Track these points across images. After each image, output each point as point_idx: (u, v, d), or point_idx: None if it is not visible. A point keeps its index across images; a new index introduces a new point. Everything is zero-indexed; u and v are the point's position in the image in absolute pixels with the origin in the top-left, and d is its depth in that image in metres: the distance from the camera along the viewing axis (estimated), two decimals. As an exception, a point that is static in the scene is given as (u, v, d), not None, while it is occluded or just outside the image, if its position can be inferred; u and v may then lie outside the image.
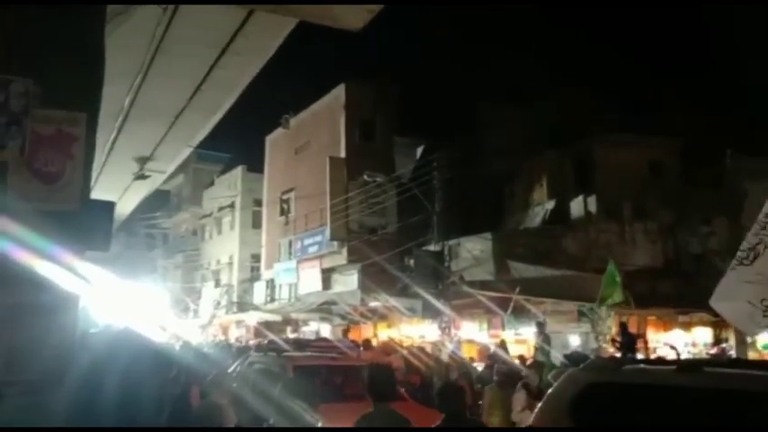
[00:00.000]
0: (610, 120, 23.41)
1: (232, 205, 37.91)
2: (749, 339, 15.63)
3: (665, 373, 4.31)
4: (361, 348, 14.36)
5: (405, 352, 14.05)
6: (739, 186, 18.22)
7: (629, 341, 13.31)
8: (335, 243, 26.79)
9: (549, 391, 4.51)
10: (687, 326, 16.03)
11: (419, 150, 29.25)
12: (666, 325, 16.37)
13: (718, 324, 16.21)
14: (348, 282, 25.64)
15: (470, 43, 42.46)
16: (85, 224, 4.85)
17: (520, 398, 8.04)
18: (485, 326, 18.24)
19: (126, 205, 16.55)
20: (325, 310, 23.66)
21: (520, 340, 16.97)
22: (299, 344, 12.42)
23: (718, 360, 10.92)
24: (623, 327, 14.14)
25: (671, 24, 44.88)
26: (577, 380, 4.37)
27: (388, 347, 13.25)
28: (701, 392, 3.84)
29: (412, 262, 20.00)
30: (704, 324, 16.13)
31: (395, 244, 23.46)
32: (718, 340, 16.12)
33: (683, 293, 15.64)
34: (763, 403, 3.64)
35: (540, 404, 4.42)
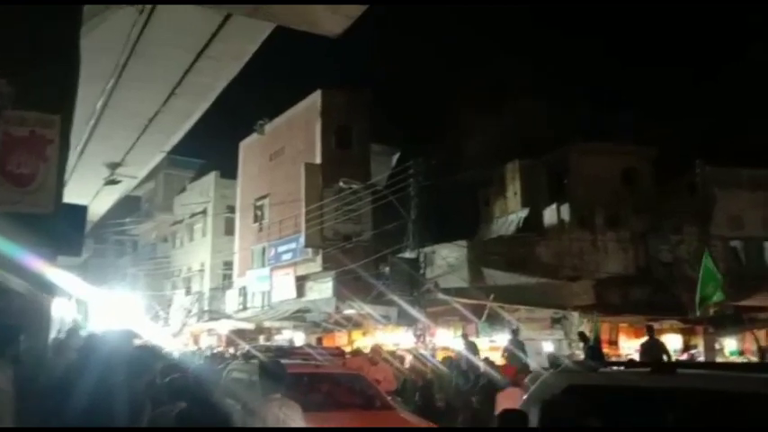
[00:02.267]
0: (584, 128, 23.80)
1: (204, 212, 37.49)
2: (717, 346, 15.99)
3: (640, 375, 4.37)
4: (348, 356, 14.24)
5: (391, 360, 13.91)
6: (710, 194, 18.64)
7: (592, 348, 13.48)
8: (310, 250, 26.65)
9: (526, 394, 4.54)
10: (657, 333, 16.28)
11: (395, 158, 29.33)
12: (638, 332, 16.60)
13: (688, 331, 16.57)
14: (323, 289, 25.51)
15: (446, 52, 42.84)
16: (58, 228, 4.76)
17: None
18: (459, 333, 18.29)
19: (96, 210, 16.27)
20: (298, 317, 23.49)
21: (494, 347, 17.05)
22: (282, 351, 12.24)
23: (690, 363, 11.14)
24: (582, 335, 14.32)
25: (645, 34, 45.88)
26: (554, 383, 4.41)
27: (375, 356, 13.19)
28: (675, 393, 3.91)
29: (387, 269, 20.00)
30: (674, 331, 16.43)
31: (370, 251, 23.45)
32: (687, 346, 16.43)
33: (654, 301, 15.93)
34: (733, 402, 3.72)
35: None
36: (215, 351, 22.13)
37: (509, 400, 7.90)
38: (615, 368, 4.93)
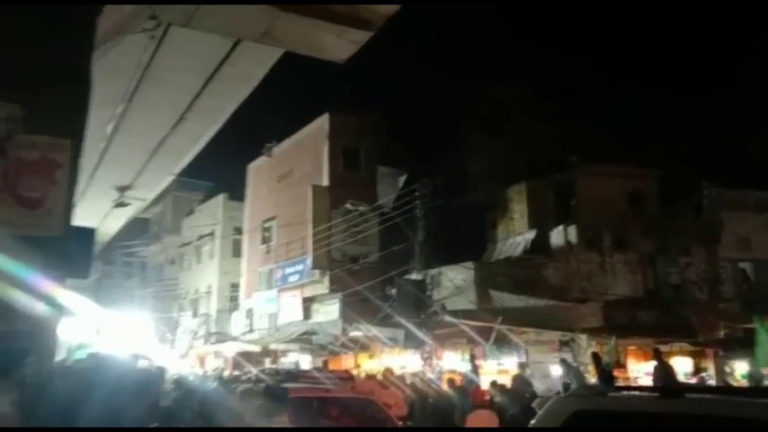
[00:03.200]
0: (590, 149, 23.81)
1: (212, 234, 37.62)
2: (728, 369, 15.79)
3: (648, 400, 4.33)
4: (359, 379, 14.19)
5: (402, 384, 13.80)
6: (717, 217, 18.57)
7: (604, 371, 13.37)
8: (317, 272, 26.64)
9: (535, 419, 4.50)
10: (667, 355, 16.11)
11: (402, 179, 29.41)
12: (647, 354, 16.43)
13: (698, 354, 16.38)
14: (329, 311, 25.42)
15: (452, 75, 43.15)
16: (66, 251, 4.80)
17: None
18: (467, 356, 18.16)
19: (105, 232, 16.36)
20: (305, 340, 23.40)
21: (502, 370, 16.91)
22: (290, 375, 12.17)
23: (700, 387, 11.00)
24: (596, 356, 14.20)
25: (652, 55, 46.11)
26: (562, 408, 4.37)
27: (386, 380, 13.08)
28: (684, 418, 3.87)
29: (394, 291, 19.95)
30: (684, 354, 16.25)
31: (377, 273, 23.40)
32: (698, 369, 16.24)
33: (663, 323, 15.79)
34: (743, 428, 3.67)
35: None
36: (225, 374, 22.01)
37: (478, 420, 8.32)
38: (624, 392, 4.89)
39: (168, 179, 13.53)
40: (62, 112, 5.21)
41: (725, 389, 8.91)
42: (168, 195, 38.95)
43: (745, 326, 15.15)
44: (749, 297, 18.40)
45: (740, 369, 15.82)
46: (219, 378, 17.79)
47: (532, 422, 4.61)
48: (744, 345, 15.23)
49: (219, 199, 37.76)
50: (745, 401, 4.20)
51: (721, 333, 16.03)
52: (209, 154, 12.97)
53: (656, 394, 4.47)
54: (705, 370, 16.14)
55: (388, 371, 14.36)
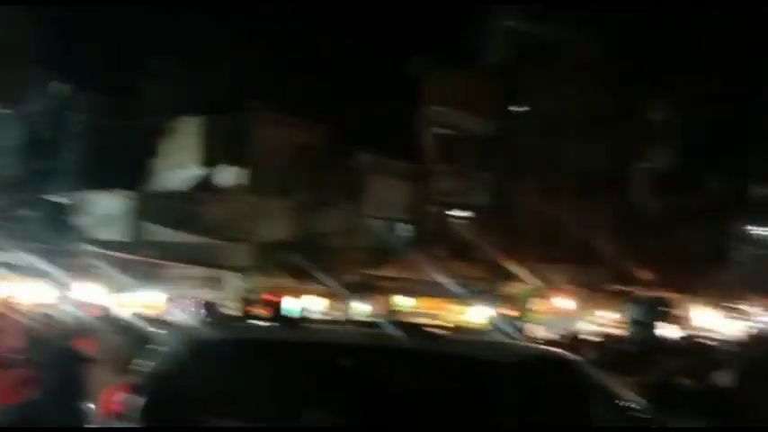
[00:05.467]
0: (272, 96, 24.29)
1: None
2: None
3: (268, 329, 4.82)
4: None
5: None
6: (364, 179, 21.23)
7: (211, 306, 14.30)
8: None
9: (160, 348, 4.56)
10: (302, 293, 18.02)
11: (65, 90, 25.89)
12: (293, 292, 18.13)
13: (332, 296, 18.70)
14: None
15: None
16: None
17: None
18: (113, 288, 17.29)
19: None
20: None
21: (149, 305, 16.59)
22: None
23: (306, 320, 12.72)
24: (207, 305, 15.07)
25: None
26: (189, 337, 4.56)
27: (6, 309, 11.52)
28: (296, 344, 4.42)
29: (32, 213, 17.78)
30: (318, 294, 18.41)
31: (15, 190, 20.43)
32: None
33: (306, 267, 17.47)
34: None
35: (149, 361, 4.43)
36: None
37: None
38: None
39: None
40: None
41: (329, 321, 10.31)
42: None
43: (368, 272, 17.79)
44: (378, 250, 21.48)
45: (361, 309, 18.60)
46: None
47: (159, 350, 4.62)
48: (368, 289, 17.90)
49: None
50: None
51: (355, 278, 18.57)
52: None
53: (277, 324, 5.00)
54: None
55: (4, 300, 12.82)
